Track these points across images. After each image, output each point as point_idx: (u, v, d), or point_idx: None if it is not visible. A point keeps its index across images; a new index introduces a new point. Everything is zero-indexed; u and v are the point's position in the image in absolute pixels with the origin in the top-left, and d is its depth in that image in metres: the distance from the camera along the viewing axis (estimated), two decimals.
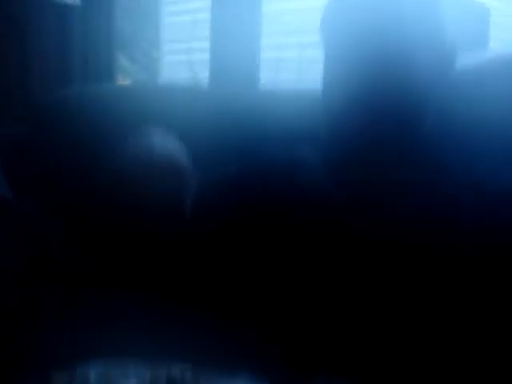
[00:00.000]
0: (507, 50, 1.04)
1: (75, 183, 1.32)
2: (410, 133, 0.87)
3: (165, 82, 2.59)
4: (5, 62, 1.77)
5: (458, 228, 0.84)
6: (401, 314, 0.84)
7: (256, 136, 1.27)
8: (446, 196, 0.87)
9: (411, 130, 0.87)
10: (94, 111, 1.43)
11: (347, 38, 0.84)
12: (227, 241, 0.94)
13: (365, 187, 0.89)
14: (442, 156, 0.92)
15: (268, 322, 0.86)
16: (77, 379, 0.78)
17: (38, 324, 0.93)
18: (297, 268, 0.88)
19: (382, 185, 0.88)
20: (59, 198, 1.34)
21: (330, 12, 0.87)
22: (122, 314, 0.92)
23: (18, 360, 0.91)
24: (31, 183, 1.36)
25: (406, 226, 0.86)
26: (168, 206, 0.98)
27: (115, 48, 1.87)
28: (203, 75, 2.37)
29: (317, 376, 0.80)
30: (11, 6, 1.70)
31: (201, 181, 1.05)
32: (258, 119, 1.34)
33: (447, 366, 0.81)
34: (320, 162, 0.95)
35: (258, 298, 0.89)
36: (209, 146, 1.30)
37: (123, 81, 3.25)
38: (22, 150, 1.44)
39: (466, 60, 0.92)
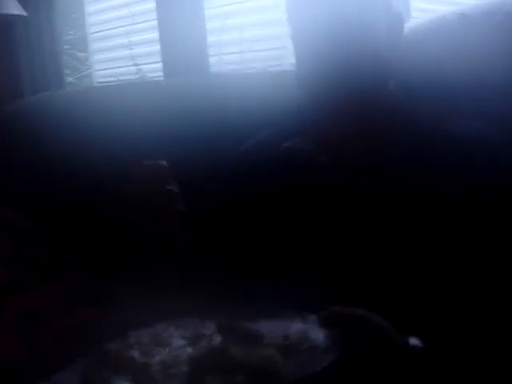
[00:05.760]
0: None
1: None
2: (375, 91, 0.98)
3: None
4: None
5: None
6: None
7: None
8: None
9: (375, 89, 0.98)
10: (43, 120, 1.42)
11: (309, 20, 0.96)
12: None
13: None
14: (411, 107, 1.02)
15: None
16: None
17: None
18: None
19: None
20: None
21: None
22: None
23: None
24: None
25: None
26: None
27: (62, 55, 1.87)
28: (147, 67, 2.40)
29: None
30: None
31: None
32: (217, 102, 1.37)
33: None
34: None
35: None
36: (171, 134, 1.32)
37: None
38: None
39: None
